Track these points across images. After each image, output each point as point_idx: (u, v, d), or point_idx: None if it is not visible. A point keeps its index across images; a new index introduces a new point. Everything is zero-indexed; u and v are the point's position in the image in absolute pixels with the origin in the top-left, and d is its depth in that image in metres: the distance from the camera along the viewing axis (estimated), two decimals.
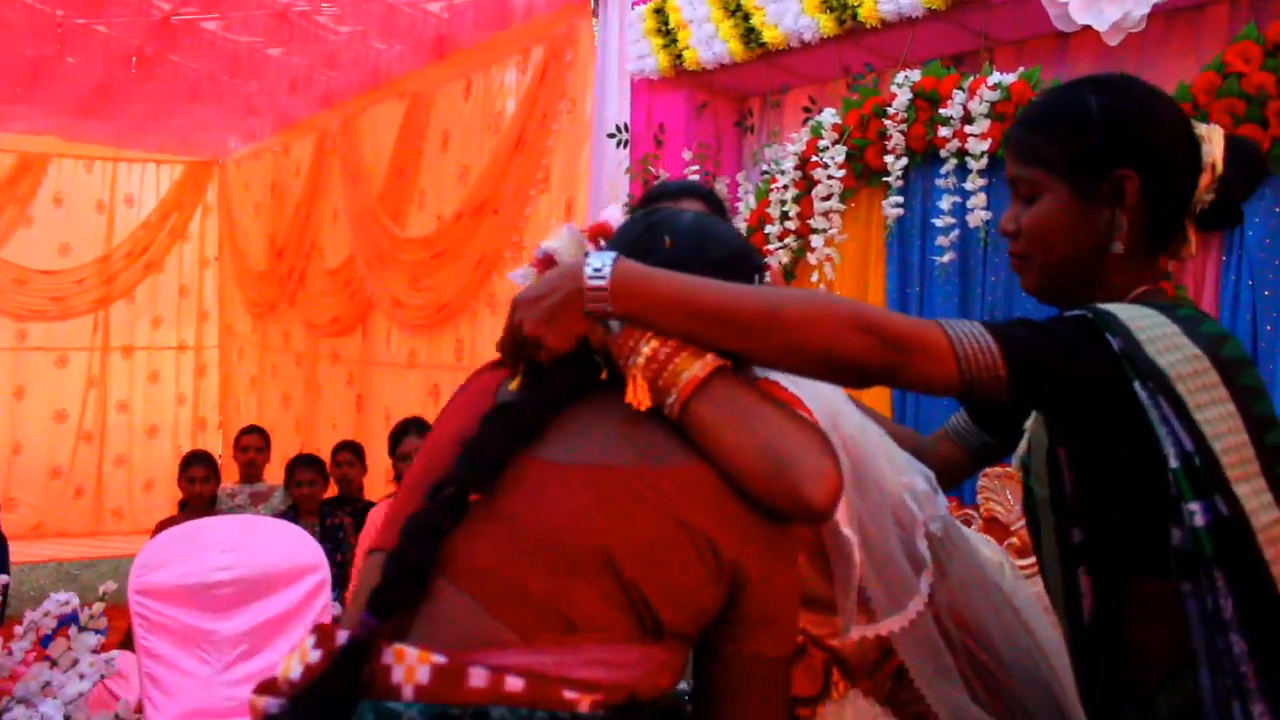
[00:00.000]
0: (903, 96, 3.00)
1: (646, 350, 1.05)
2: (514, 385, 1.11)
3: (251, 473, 5.28)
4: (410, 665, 0.93)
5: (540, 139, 4.65)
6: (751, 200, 3.56)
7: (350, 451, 5.13)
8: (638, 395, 1.05)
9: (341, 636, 0.96)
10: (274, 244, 7.42)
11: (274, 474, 5.41)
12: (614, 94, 4.19)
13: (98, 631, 2.76)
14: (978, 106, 2.82)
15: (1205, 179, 1.24)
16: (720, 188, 3.88)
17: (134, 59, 5.68)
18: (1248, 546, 1.08)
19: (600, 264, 1.06)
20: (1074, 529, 1.28)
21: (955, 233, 2.92)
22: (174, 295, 8.67)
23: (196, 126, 7.38)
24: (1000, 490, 2.58)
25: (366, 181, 6.01)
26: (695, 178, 3.76)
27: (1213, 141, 1.25)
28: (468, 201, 5.01)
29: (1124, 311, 1.16)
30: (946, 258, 2.94)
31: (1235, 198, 1.28)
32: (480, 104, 5.22)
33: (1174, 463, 1.10)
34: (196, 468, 4.65)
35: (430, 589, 0.98)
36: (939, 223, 2.94)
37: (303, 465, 4.88)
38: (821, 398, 1.31)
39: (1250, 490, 1.09)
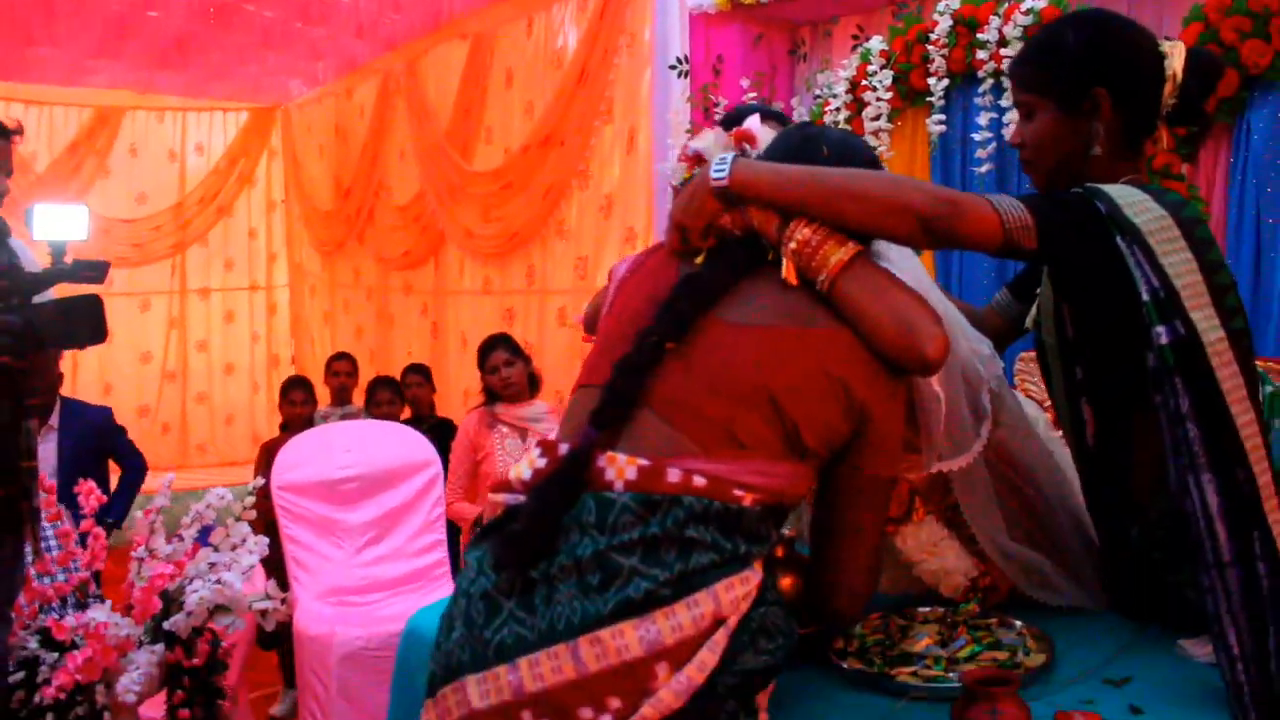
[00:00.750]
0: (944, 23, 3.30)
1: (799, 237, 1.38)
2: (699, 260, 1.44)
3: (343, 396, 5.65)
4: (620, 467, 1.27)
5: (602, 72, 4.91)
6: (806, 120, 3.86)
7: (419, 374, 5.50)
8: (791, 275, 1.38)
9: (562, 448, 1.32)
10: (340, 184, 7.75)
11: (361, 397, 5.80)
12: (673, 27, 4.48)
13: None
14: (1012, 30, 3.11)
15: (1168, 88, 1.59)
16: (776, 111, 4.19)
17: (211, 9, 6.00)
18: (1199, 357, 1.42)
19: (722, 162, 1.41)
20: (1076, 367, 1.65)
21: (992, 146, 3.23)
22: (244, 238, 9.08)
23: (263, 73, 7.63)
24: (1033, 373, 2.91)
25: (433, 120, 6.29)
26: (754, 102, 4.08)
27: (1174, 55, 1.60)
28: (534, 135, 5.30)
29: (1107, 186, 1.50)
30: (985, 169, 3.25)
31: (1195, 100, 1.62)
32: (542, 41, 5.48)
33: (1145, 296, 1.43)
34: (296, 391, 5.01)
35: (634, 413, 1.33)
36: (978, 138, 3.25)
37: (380, 387, 5.17)
38: (919, 284, 1.65)
39: (1201, 316, 1.42)
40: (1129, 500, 1.69)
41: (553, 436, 1.41)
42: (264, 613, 3.14)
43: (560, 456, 1.32)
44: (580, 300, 5.25)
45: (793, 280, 1.38)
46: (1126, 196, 1.47)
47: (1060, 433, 1.94)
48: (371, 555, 3.42)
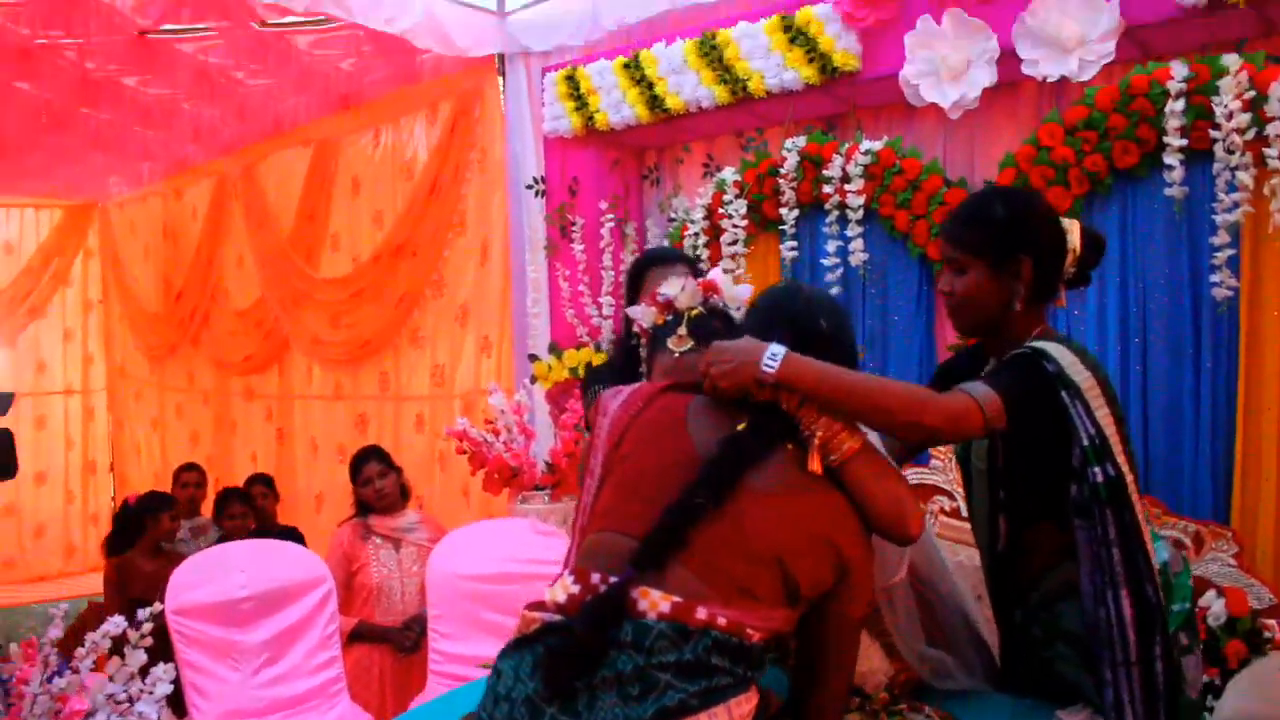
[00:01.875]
0: (791, 159, 3.69)
1: (820, 434, 1.68)
2: (742, 426, 1.70)
3: (192, 507, 5.61)
4: (654, 601, 1.53)
5: (455, 186, 5.13)
6: (666, 244, 4.20)
7: (263, 484, 5.55)
8: (817, 466, 1.67)
9: (595, 578, 1.57)
10: (170, 286, 7.65)
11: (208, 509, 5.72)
12: (524, 148, 4.76)
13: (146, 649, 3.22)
14: (854, 168, 3.53)
15: (1070, 258, 1.99)
16: (630, 231, 4.53)
17: (44, 115, 5.90)
18: (1124, 494, 1.82)
19: (775, 353, 1.70)
20: (1000, 490, 2.05)
21: (839, 271, 3.63)
22: (58, 340, 8.78)
23: (85, 173, 7.50)
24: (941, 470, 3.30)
25: (273, 225, 6.35)
26: (611, 221, 4.40)
27: (1073, 232, 2.02)
28: (386, 244, 5.46)
29: (1050, 348, 1.89)
30: (833, 291, 3.64)
31: (1087, 268, 2.05)
32: (390, 153, 5.67)
33: (1085, 442, 1.84)
34: (169, 510, 4.91)
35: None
36: (826, 262, 3.64)
37: (231, 499, 5.17)
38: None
39: (1122, 460, 1.83)
40: (1017, 590, 2.08)
41: (574, 565, 1.66)
42: None
43: (594, 585, 1.58)
44: (437, 406, 5.42)
45: (818, 470, 1.67)
46: (1065, 358, 1.86)
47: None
48: (269, 675, 3.47)
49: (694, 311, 2.13)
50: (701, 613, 1.53)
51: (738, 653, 1.54)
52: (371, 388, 5.83)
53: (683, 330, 2.09)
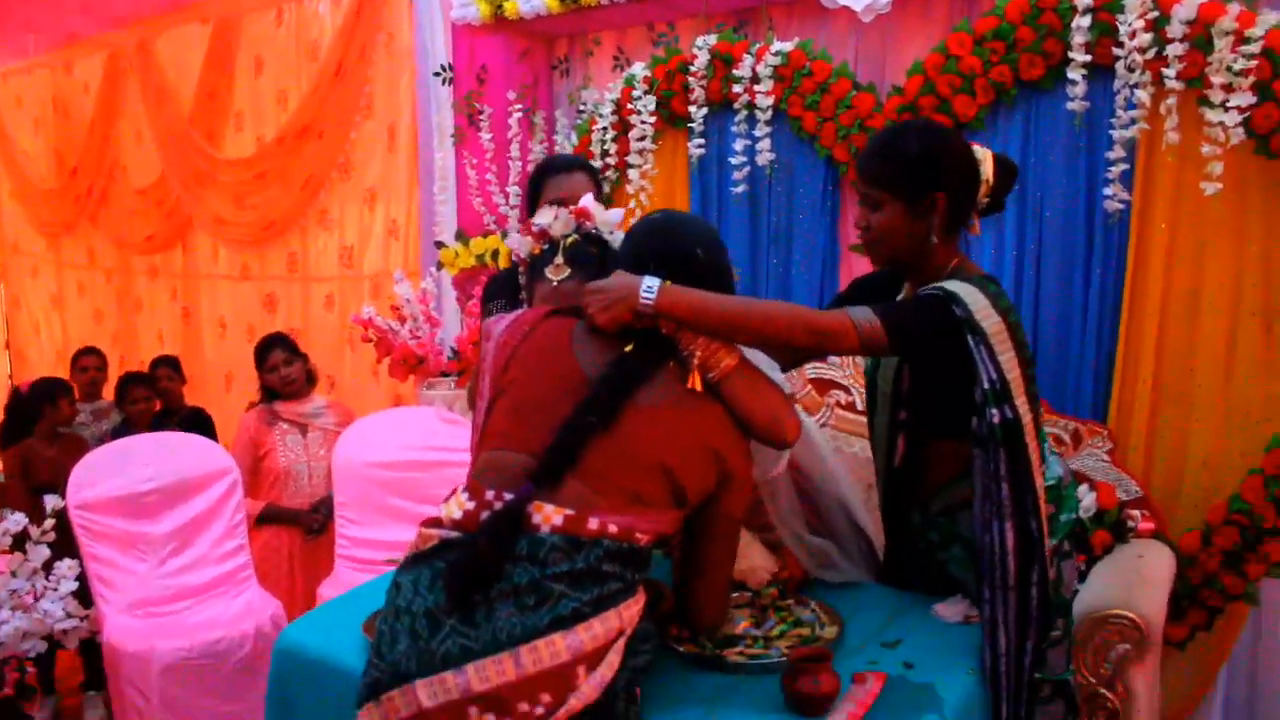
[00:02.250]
0: (702, 57, 3.67)
1: (699, 354, 1.76)
2: (629, 348, 1.76)
3: (93, 391, 5.50)
4: (547, 515, 1.60)
5: (360, 68, 5.00)
6: (574, 137, 4.17)
7: (169, 366, 5.46)
8: (697, 384, 1.75)
9: (489, 494, 1.62)
10: (63, 162, 7.38)
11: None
12: (432, 33, 4.63)
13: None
14: (763, 69, 3.53)
15: (984, 188, 2.04)
16: (538, 121, 4.48)
17: None
18: (1018, 435, 1.91)
19: (651, 285, 1.76)
20: (902, 411, 2.14)
21: (746, 169, 3.65)
22: None
23: None
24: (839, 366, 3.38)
25: (173, 103, 6.13)
26: (519, 111, 4.36)
27: (986, 162, 2.06)
28: (290, 126, 5.32)
29: (961, 290, 1.94)
30: (740, 189, 3.67)
31: (1000, 196, 2.10)
32: (293, 32, 5.49)
33: (985, 385, 1.91)
34: (66, 396, 4.78)
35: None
36: (733, 160, 3.66)
37: (133, 384, 5.06)
38: (758, 359, 2.02)
39: (1021, 404, 1.92)
40: (915, 499, 2.19)
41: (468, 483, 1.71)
42: (65, 632, 3.20)
43: (489, 501, 1.63)
44: (346, 286, 5.38)
45: (698, 388, 1.75)
46: (976, 302, 1.93)
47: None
48: (176, 565, 3.50)
49: (569, 239, 2.15)
50: (593, 523, 1.60)
51: (628, 557, 1.62)
52: (279, 268, 5.74)
53: (559, 259, 2.12)
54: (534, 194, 2.70)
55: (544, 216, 2.16)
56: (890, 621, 2.07)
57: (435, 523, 1.68)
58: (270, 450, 4.17)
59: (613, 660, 1.58)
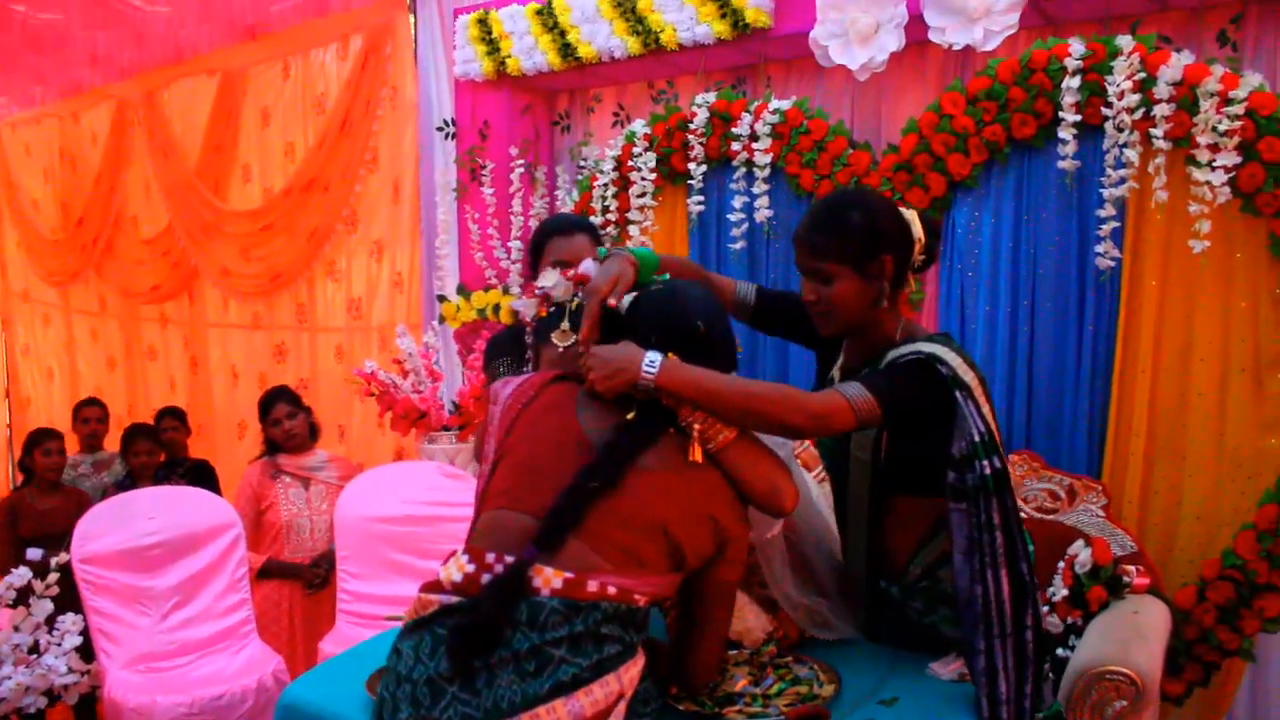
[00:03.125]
0: (701, 115, 3.74)
1: (698, 427, 1.80)
2: (631, 416, 1.80)
3: (93, 443, 5.54)
4: (548, 578, 1.63)
5: (366, 122, 5.07)
6: (575, 193, 4.23)
7: (174, 418, 5.51)
8: (698, 455, 1.80)
9: (490, 557, 1.65)
10: (69, 212, 7.45)
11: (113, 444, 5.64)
12: (438, 89, 4.73)
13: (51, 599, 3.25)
14: (762, 126, 3.60)
15: (918, 247, 2.09)
16: (540, 177, 4.55)
17: None
18: (1008, 482, 1.98)
19: (654, 360, 1.80)
20: (879, 482, 2.17)
21: (745, 226, 3.70)
22: None
23: None
24: None
25: (179, 154, 6.22)
26: (521, 166, 4.42)
27: (915, 222, 2.13)
28: (297, 178, 5.39)
29: (939, 350, 2.01)
30: (738, 245, 3.73)
31: (931, 251, 2.16)
32: (300, 85, 5.57)
33: (975, 438, 1.96)
34: (50, 442, 4.87)
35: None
36: (732, 217, 3.71)
37: (138, 436, 5.08)
38: None
39: (1001, 454, 1.97)
40: (893, 565, 2.23)
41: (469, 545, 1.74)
42: (66, 687, 3.21)
43: (489, 564, 1.66)
44: (354, 337, 5.42)
45: (699, 459, 1.80)
46: (954, 360, 2.00)
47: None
48: (179, 619, 3.51)
49: (574, 303, 2.19)
50: (593, 585, 1.63)
51: (626, 619, 1.65)
52: (289, 318, 5.80)
53: (565, 325, 2.16)
54: (536, 254, 2.75)
55: (546, 280, 2.21)
56: (885, 680, 2.10)
57: (435, 587, 1.71)
58: (273, 504, 4.20)
59: None
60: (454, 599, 1.66)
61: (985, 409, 1.99)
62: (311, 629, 4.05)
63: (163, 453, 5.18)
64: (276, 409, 4.27)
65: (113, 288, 7.17)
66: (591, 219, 4.01)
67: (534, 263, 2.75)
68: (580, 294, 2.18)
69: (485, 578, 1.66)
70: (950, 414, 1.98)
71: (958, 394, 1.98)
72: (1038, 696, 2.02)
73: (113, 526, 3.48)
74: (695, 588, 1.82)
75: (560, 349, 2.15)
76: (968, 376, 1.99)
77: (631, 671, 1.65)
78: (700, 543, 1.76)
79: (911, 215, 2.14)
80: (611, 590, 1.64)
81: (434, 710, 1.56)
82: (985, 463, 1.96)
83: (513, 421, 1.87)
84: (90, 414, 5.58)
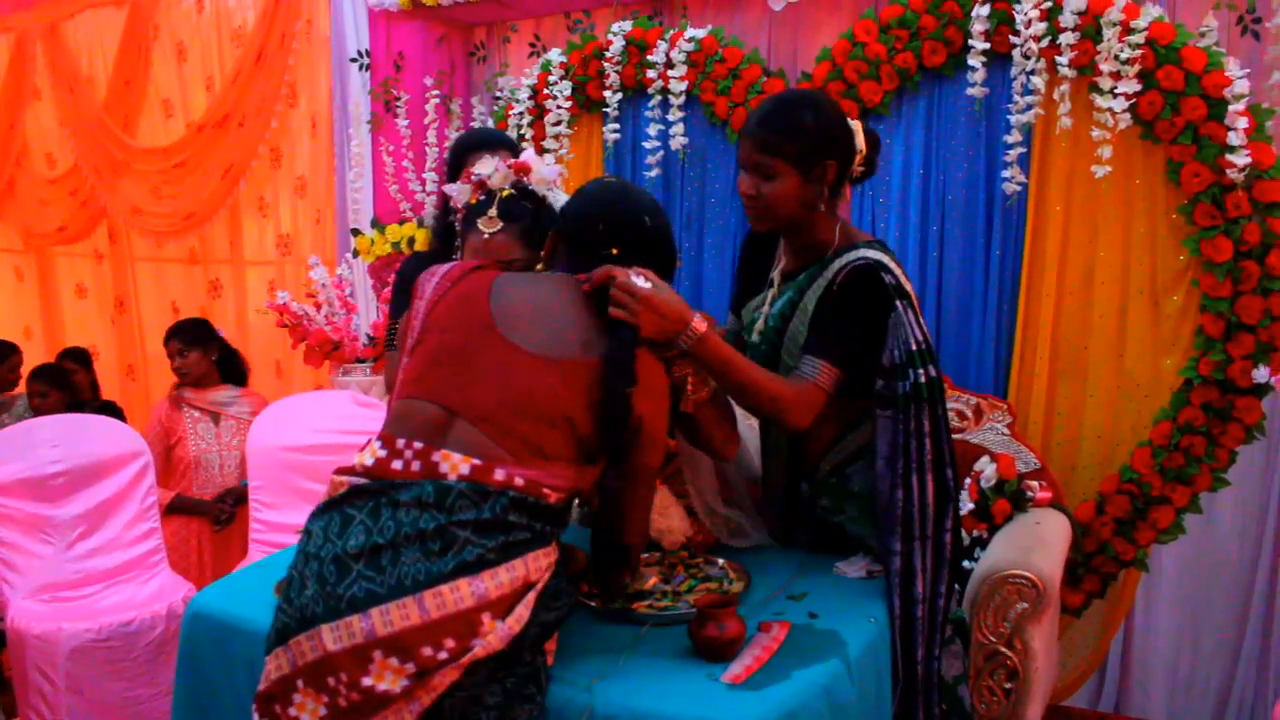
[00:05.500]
0: (617, 43, 3.72)
1: (691, 382, 1.96)
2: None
3: (7, 386, 5.37)
4: (455, 464, 1.63)
5: (281, 55, 4.92)
6: (490, 123, 4.20)
7: (74, 359, 5.36)
8: (688, 405, 1.98)
9: (400, 443, 1.66)
10: None
11: None
12: (351, 20, 4.63)
13: None
14: (677, 55, 3.59)
15: (859, 157, 2.13)
16: (455, 109, 4.50)
17: None
18: (942, 391, 2.06)
19: (695, 330, 1.87)
20: None
21: (660, 154, 3.71)
22: None
23: None
24: None
25: (85, 89, 6.00)
26: (436, 98, 4.37)
27: (859, 134, 2.16)
28: (210, 114, 5.20)
29: (883, 257, 2.08)
30: (654, 173, 3.73)
31: (871, 164, 2.21)
32: (215, 18, 5.41)
33: (913, 346, 2.03)
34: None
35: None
36: (647, 145, 3.72)
37: (36, 378, 4.89)
38: None
39: (936, 363, 2.07)
40: (802, 466, 2.27)
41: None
42: None
43: (399, 449, 1.67)
44: (285, 273, 5.33)
45: (690, 410, 2.00)
46: (894, 268, 2.08)
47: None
48: (84, 549, 3.44)
49: (505, 192, 2.19)
50: (499, 474, 1.64)
51: (535, 510, 1.65)
52: (223, 254, 5.67)
53: (493, 211, 2.15)
54: (455, 169, 2.70)
55: (484, 167, 2.20)
56: (794, 579, 2.15)
57: (348, 470, 1.70)
58: (181, 438, 4.14)
59: (521, 613, 1.60)
60: (363, 481, 1.66)
61: (922, 319, 2.06)
62: (220, 564, 4.01)
63: (66, 394, 5.03)
64: (169, 346, 4.18)
65: (16, 228, 6.90)
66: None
67: (452, 176, 2.72)
68: (515, 185, 2.19)
69: (396, 464, 1.66)
70: (884, 323, 2.03)
71: (899, 303, 2.03)
72: (950, 597, 2.10)
73: (13, 455, 3.39)
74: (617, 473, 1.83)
75: (486, 235, 2.14)
76: (907, 286, 2.05)
77: (541, 560, 1.65)
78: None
79: (856, 126, 2.16)
80: (519, 481, 1.64)
81: (339, 587, 1.56)
82: (921, 371, 2.03)
83: (429, 310, 1.85)
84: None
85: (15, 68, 6.51)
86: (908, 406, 2.03)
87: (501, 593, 1.58)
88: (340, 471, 1.72)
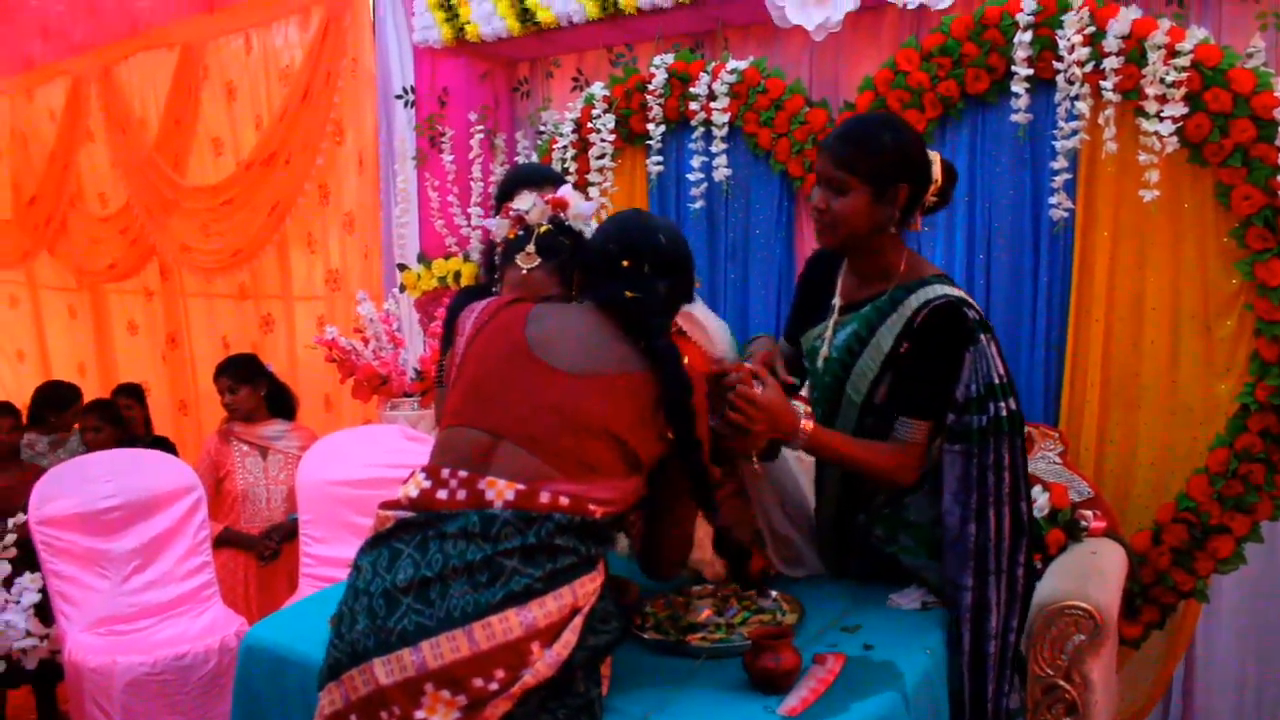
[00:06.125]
0: (660, 76, 3.75)
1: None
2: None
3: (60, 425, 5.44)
4: (500, 490, 1.64)
5: (327, 93, 5.01)
6: (534, 157, 4.24)
7: (127, 395, 5.44)
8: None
9: (445, 472, 1.66)
10: (20, 191, 7.32)
11: None
12: (396, 57, 4.71)
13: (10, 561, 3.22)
14: (719, 86, 3.61)
15: (934, 187, 2.13)
16: (499, 143, 4.55)
17: None
18: (1021, 425, 2.07)
19: (806, 429, 2.01)
20: (870, 419, 2.18)
21: (704, 186, 3.72)
22: None
23: None
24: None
25: (137, 130, 6.13)
26: (480, 133, 4.42)
27: (936, 164, 2.16)
28: (257, 151, 5.31)
29: (961, 294, 2.08)
30: (697, 205, 3.75)
31: (945, 196, 2.21)
32: (263, 58, 5.51)
33: (995, 380, 2.04)
34: (3, 418, 4.77)
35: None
36: (691, 177, 3.73)
37: (89, 413, 4.95)
38: (720, 330, 2.24)
39: (1016, 395, 2.09)
40: (858, 497, 2.27)
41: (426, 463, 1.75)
42: (25, 652, 3.19)
43: (444, 479, 1.68)
44: (335, 308, 5.39)
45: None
46: (971, 304, 2.08)
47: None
48: (139, 582, 3.50)
49: (543, 228, 2.21)
50: (545, 495, 1.65)
51: (582, 531, 1.66)
52: (274, 289, 5.75)
53: (531, 247, 2.18)
54: (503, 204, 2.74)
55: (523, 202, 2.22)
56: (848, 610, 2.13)
57: (393, 504, 1.72)
58: (230, 472, 4.19)
59: (569, 638, 1.61)
60: (409, 514, 1.68)
61: (1001, 352, 2.07)
62: (266, 598, 4.05)
63: (118, 430, 5.10)
64: (219, 383, 4.25)
65: (69, 266, 7.06)
66: None
67: (499, 211, 2.75)
68: (552, 220, 2.21)
69: (441, 494, 1.67)
70: (963, 358, 2.04)
71: (982, 336, 2.03)
72: (1020, 631, 2.08)
73: (70, 489, 3.45)
74: (655, 491, 1.86)
75: (524, 271, 2.17)
76: (986, 319, 2.07)
77: (588, 586, 1.66)
78: (649, 440, 1.78)
79: (935, 156, 2.17)
80: (564, 500, 1.65)
81: (389, 621, 1.57)
82: (1003, 404, 2.03)
83: (469, 345, 1.89)
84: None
85: (71, 110, 6.70)
86: (984, 440, 2.03)
87: (550, 621, 1.59)
88: (385, 506, 1.73)
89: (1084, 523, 2.79)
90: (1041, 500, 2.80)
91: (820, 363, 2.26)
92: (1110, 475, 3.07)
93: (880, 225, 2.12)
